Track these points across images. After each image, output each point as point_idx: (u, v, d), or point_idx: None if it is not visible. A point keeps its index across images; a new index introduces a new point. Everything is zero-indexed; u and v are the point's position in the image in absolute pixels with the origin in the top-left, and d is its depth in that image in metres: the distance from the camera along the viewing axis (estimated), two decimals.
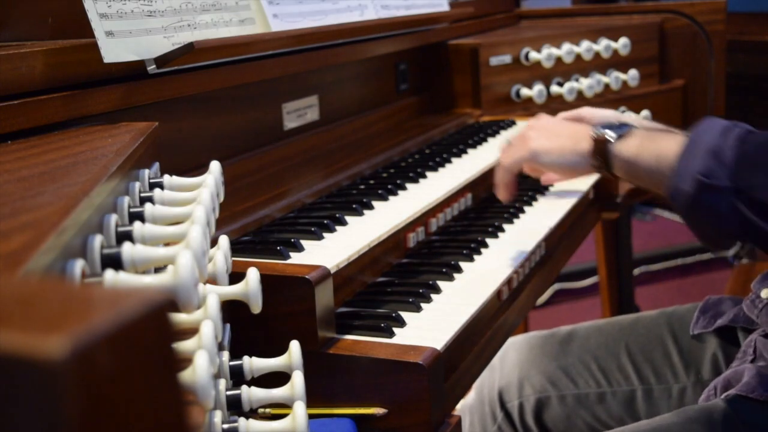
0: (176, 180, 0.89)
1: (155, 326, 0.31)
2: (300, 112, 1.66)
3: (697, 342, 1.54)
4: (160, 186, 0.86)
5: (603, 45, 2.21)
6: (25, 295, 0.33)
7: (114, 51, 1.11)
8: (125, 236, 0.69)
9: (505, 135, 1.92)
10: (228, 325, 0.92)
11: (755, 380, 1.25)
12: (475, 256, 1.38)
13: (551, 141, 1.32)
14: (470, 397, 1.67)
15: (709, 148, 1.07)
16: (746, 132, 1.08)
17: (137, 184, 0.82)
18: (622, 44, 2.24)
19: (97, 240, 0.62)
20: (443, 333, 1.09)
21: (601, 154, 1.25)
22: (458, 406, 1.65)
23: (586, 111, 1.48)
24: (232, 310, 0.99)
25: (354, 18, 1.68)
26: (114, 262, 0.63)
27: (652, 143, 1.19)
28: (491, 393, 1.61)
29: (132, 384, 0.31)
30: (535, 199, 1.68)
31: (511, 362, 1.61)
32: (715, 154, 1.06)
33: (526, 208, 1.66)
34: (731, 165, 1.04)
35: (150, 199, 0.81)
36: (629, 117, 1.40)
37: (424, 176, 1.57)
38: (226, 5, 1.37)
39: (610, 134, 1.24)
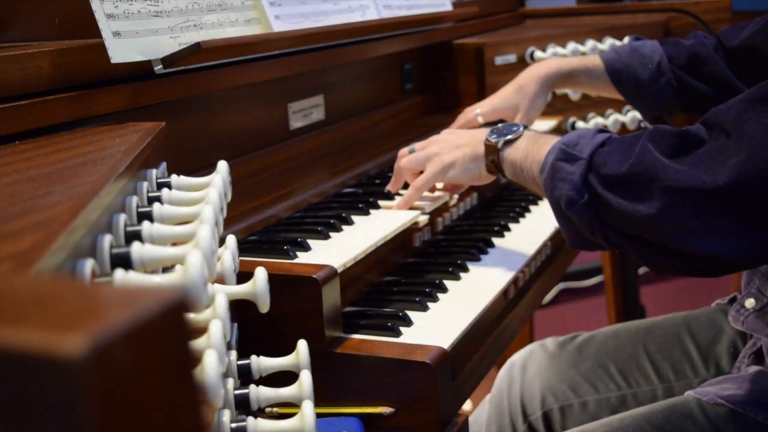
0: (184, 180, 0.89)
1: (171, 325, 0.31)
2: (306, 112, 1.66)
3: (715, 335, 1.54)
4: (168, 186, 0.87)
5: (608, 44, 2.21)
6: (41, 294, 0.33)
7: (121, 51, 1.12)
8: (134, 236, 0.69)
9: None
10: (236, 325, 0.92)
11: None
12: (482, 256, 1.39)
13: (454, 153, 1.34)
14: (484, 409, 1.65)
15: (580, 133, 1.14)
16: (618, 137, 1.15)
17: (145, 184, 0.82)
18: None
19: (107, 240, 0.62)
20: (450, 332, 1.09)
21: (493, 160, 1.29)
22: (471, 418, 1.64)
23: (489, 102, 1.62)
24: (239, 309, 1.00)
25: (356, 18, 1.68)
26: (123, 261, 0.63)
27: (536, 145, 1.22)
28: (512, 404, 1.59)
29: (149, 382, 0.31)
30: (541, 199, 1.68)
31: (531, 372, 1.60)
32: (583, 135, 1.13)
33: (532, 208, 1.66)
34: (594, 145, 1.10)
35: (158, 199, 0.81)
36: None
37: None
38: (232, 5, 1.37)
39: (497, 138, 1.28)
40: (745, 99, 1.01)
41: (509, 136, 1.27)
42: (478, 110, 1.68)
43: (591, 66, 1.65)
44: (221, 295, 0.73)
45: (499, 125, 1.31)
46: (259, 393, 0.81)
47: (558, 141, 1.15)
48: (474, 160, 1.32)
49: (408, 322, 1.12)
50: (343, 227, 1.27)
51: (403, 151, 1.43)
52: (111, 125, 1.05)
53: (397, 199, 1.40)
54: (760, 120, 0.98)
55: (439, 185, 1.45)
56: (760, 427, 1.24)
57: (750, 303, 1.34)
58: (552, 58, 1.81)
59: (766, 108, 0.99)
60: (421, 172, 1.38)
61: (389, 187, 1.43)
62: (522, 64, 2.12)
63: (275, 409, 0.99)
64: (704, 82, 1.57)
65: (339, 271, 1.09)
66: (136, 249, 0.64)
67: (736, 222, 0.99)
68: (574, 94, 2.14)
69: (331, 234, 1.24)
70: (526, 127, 1.29)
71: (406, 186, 1.43)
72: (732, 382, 1.29)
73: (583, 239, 1.14)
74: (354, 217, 1.31)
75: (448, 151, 1.35)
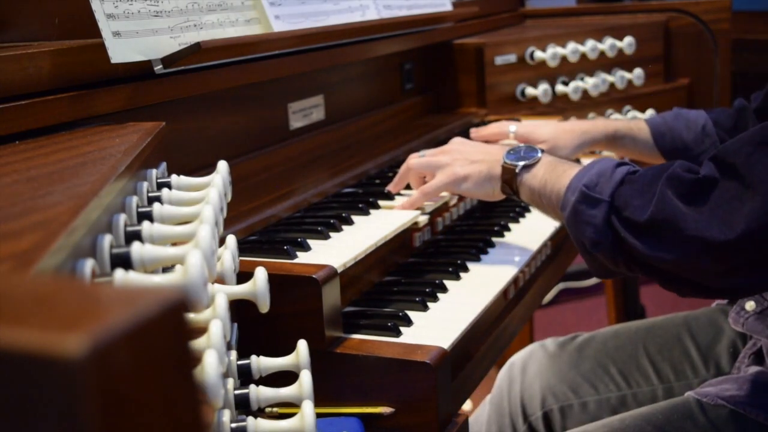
0: (184, 180, 0.89)
1: (172, 325, 0.31)
2: (306, 112, 1.66)
3: (715, 336, 1.54)
4: (168, 186, 0.87)
5: (608, 44, 2.21)
6: (41, 294, 0.33)
7: (121, 51, 1.12)
8: (134, 236, 0.69)
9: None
10: (236, 325, 0.92)
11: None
12: (482, 256, 1.39)
13: (468, 167, 1.34)
14: (484, 409, 1.65)
15: (599, 170, 1.16)
16: (636, 169, 1.17)
17: (145, 184, 0.82)
18: (627, 43, 2.24)
19: (107, 240, 0.62)
20: (450, 332, 1.09)
21: (508, 182, 1.30)
22: (471, 419, 1.64)
23: (529, 125, 1.60)
24: (239, 309, 1.00)
25: (356, 18, 1.68)
26: (123, 261, 0.63)
27: (554, 174, 1.23)
28: (513, 405, 1.59)
29: (149, 382, 0.31)
30: None
31: (532, 373, 1.60)
32: (602, 173, 1.15)
33: (532, 208, 1.66)
34: (614, 185, 1.13)
35: (158, 199, 0.81)
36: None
37: None
38: (232, 5, 1.37)
39: (516, 163, 1.28)
40: (752, 141, 1.04)
41: (527, 162, 1.28)
42: (513, 128, 1.66)
43: (636, 129, 1.65)
44: (221, 295, 0.73)
45: (518, 146, 1.32)
46: (259, 393, 0.81)
47: (577, 178, 1.17)
48: (489, 180, 1.33)
49: (408, 322, 1.12)
50: (343, 227, 1.27)
51: (414, 154, 1.43)
52: (111, 125, 1.05)
53: (398, 199, 1.40)
54: None
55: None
56: (761, 427, 1.24)
57: (750, 306, 1.34)
58: (601, 119, 1.85)
59: None
60: (425, 179, 1.38)
61: (390, 188, 1.43)
62: (522, 64, 2.12)
63: (275, 409, 0.99)
64: None
65: (339, 271, 1.09)
66: (136, 249, 0.64)
67: (754, 264, 1.03)
68: (574, 93, 2.14)
69: (331, 234, 1.24)
70: (543, 151, 1.30)
71: (407, 188, 1.43)
72: (732, 383, 1.29)
73: (607, 270, 1.18)
74: (354, 217, 1.31)
75: (462, 165, 1.35)
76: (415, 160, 1.40)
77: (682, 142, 1.61)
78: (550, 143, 1.59)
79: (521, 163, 1.28)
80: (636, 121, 1.67)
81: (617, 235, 1.11)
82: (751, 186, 1.01)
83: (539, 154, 1.28)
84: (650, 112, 2.23)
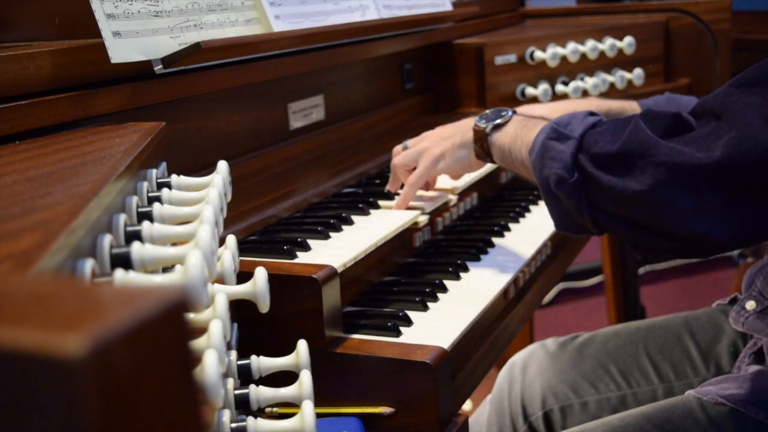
0: (184, 180, 0.89)
1: (172, 325, 0.31)
2: (306, 112, 1.66)
3: (716, 336, 1.54)
4: (168, 186, 0.87)
5: (608, 44, 2.21)
6: (41, 293, 0.33)
7: (121, 51, 1.12)
8: (134, 236, 0.69)
9: None
10: (236, 325, 0.92)
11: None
12: (482, 256, 1.39)
13: (444, 144, 1.35)
14: (485, 409, 1.65)
15: (572, 114, 1.15)
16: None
17: (145, 184, 0.82)
18: (627, 43, 2.24)
19: (107, 240, 0.62)
20: (450, 332, 1.09)
21: (480, 144, 1.29)
22: (471, 419, 1.64)
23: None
24: (239, 309, 1.00)
25: (356, 18, 1.68)
26: (124, 261, 0.63)
27: (525, 128, 1.22)
28: (513, 405, 1.59)
29: (149, 382, 0.31)
30: (540, 198, 1.68)
31: (532, 373, 1.60)
32: (575, 116, 1.13)
33: (532, 207, 1.66)
34: (586, 125, 1.11)
35: (158, 199, 0.81)
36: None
37: None
38: (232, 5, 1.37)
39: (486, 123, 1.28)
40: (732, 84, 1.03)
41: (498, 121, 1.27)
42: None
43: (629, 110, 1.65)
44: (221, 295, 0.73)
45: (488, 111, 1.31)
46: (259, 393, 0.81)
47: (548, 123, 1.16)
48: (462, 147, 1.32)
49: (408, 322, 1.12)
50: (343, 227, 1.27)
51: (397, 148, 1.44)
52: (111, 125, 1.05)
53: (397, 198, 1.40)
54: (749, 100, 0.99)
55: (442, 185, 1.45)
56: (761, 426, 1.24)
57: (751, 305, 1.34)
58: (593, 98, 1.82)
59: (754, 90, 1.00)
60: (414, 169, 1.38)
61: (388, 187, 1.43)
62: (522, 63, 2.12)
63: (275, 409, 0.99)
64: None
65: (339, 271, 1.09)
66: (136, 249, 0.64)
67: (728, 199, 0.99)
68: (574, 93, 2.14)
69: (331, 234, 1.24)
70: (515, 112, 1.29)
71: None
72: (733, 382, 1.29)
73: (570, 221, 1.14)
74: (354, 217, 1.31)
75: (437, 144, 1.35)
76: (397, 157, 1.41)
77: None
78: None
79: (491, 124, 1.27)
80: (629, 102, 1.68)
81: (584, 172, 1.07)
82: (729, 120, 0.98)
83: (510, 114, 1.27)
84: None
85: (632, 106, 1.65)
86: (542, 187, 1.14)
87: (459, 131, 1.34)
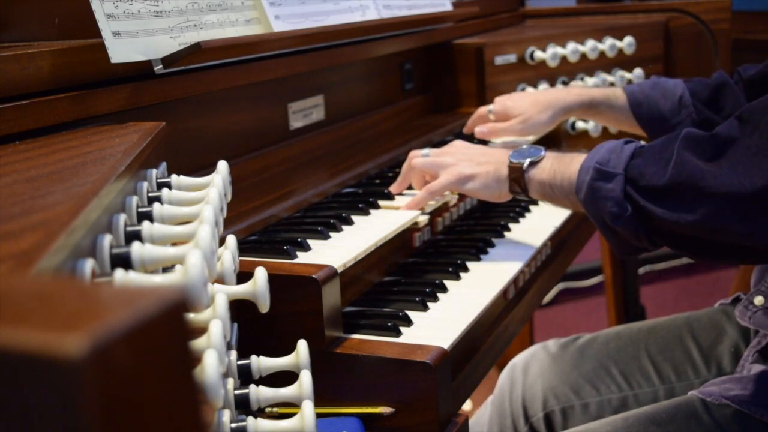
0: (184, 180, 0.89)
1: (172, 325, 0.31)
2: (306, 112, 1.66)
3: (717, 336, 1.54)
4: (168, 186, 0.87)
5: (608, 44, 2.21)
6: (41, 293, 0.33)
7: (121, 51, 1.12)
8: (134, 236, 0.69)
9: None
10: (236, 325, 0.92)
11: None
12: (482, 256, 1.39)
13: (474, 168, 1.35)
14: (486, 410, 1.65)
15: (609, 148, 1.18)
16: (643, 144, 1.18)
17: (145, 184, 0.82)
18: (627, 43, 2.24)
19: (107, 240, 0.62)
20: (450, 332, 1.09)
21: (517, 180, 1.30)
22: (472, 420, 1.64)
23: (502, 101, 1.64)
24: (239, 309, 1.00)
25: (356, 18, 1.68)
26: (123, 261, 0.63)
27: (562, 164, 1.25)
28: (514, 406, 1.59)
29: (149, 382, 0.31)
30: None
31: (533, 374, 1.60)
32: (612, 150, 1.17)
33: (532, 207, 1.66)
34: (626, 158, 1.14)
35: (158, 199, 0.81)
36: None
37: None
38: (232, 5, 1.37)
39: (523, 160, 1.29)
40: None
41: (533, 158, 1.29)
42: (491, 107, 1.70)
43: (613, 97, 1.65)
44: (221, 295, 0.73)
45: (521, 147, 1.33)
46: (259, 393, 0.81)
47: (588, 160, 1.18)
48: (496, 180, 1.33)
49: (408, 322, 1.12)
50: (343, 227, 1.27)
51: (416, 152, 1.43)
52: (111, 125, 1.05)
53: (398, 199, 1.40)
54: None
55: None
56: (765, 427, 1.24)
57: (759, 300, 1.35)
58: (577, 87, 1.82)
59: None
60: (427, 180, 1.38)
61: (393, 188, 1.42)
62: (522, 64, 2.12)
63: (275, 409, 0.99)
64: (725, 117, 1.57)
65: (339, 271, 1.09)
66: (136, 249, 0.64)
67: None
68: None
69: (331, 234, 1.24)
70: (546, 149, 1.31)
71: (408, 188, 1.43)
72: (737, 383, 1.29)
73: (630, 246, 1.18)
74: (354, 217, 1.31)
75: (468, 165, 1.35)
76: (418, 159, 1.40)
77: (659, 112, 1.62)
78: (527, 114, 1.62)
79: (528, 160, 1.29)
80: (613, 89, 1.68)
81: (636, 205, 1.11)
82: None
83: (543, 152, 1.30)
84: None
85: (616, 94, 1.65)
86: (598, 224, 1.19)
87: (492, 162, 1.34)
